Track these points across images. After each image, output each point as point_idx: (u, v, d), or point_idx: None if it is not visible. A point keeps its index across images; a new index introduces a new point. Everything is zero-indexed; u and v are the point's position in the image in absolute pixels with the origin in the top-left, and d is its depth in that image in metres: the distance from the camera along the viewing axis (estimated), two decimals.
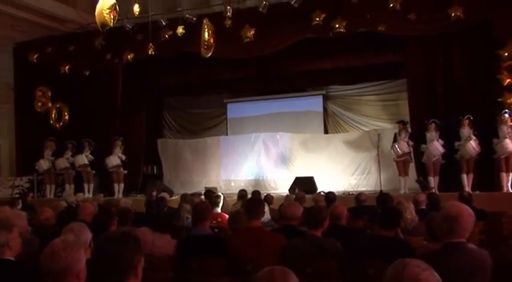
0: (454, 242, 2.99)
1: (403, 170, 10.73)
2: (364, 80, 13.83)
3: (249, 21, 11.50)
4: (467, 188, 9.68)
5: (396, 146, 10.56)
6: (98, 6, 7.02)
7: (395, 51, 11.45)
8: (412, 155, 10.73)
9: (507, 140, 9.55)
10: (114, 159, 12.46)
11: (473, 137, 9.77)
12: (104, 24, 7.10)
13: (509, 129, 9.65)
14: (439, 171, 10.28)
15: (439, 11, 10.27)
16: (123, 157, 12.60)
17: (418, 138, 10.52)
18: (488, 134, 9.82)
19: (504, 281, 3.28)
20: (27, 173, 13.72)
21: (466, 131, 9.94)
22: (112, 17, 6.92)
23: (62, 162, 12.86)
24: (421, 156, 10.49)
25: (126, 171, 12.83)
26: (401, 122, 10.94)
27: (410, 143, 10.54)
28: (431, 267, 1.64)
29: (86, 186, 12.78)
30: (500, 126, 9.68)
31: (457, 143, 10.00)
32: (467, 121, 9.96)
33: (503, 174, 9.72)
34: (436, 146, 10.06)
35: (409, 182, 10.86)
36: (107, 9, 6.84)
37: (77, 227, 3.44)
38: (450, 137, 10.17)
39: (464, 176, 9.98)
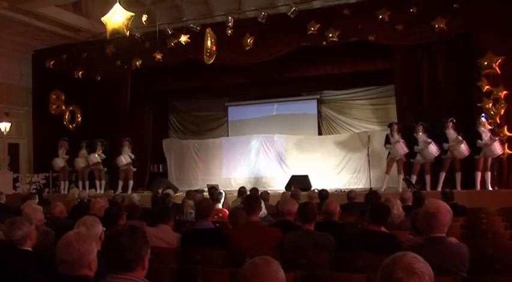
0: (435, 237, 3.01)
1: (394, 169, 10.62)
2: (355, 86, 13.83)
3: (249, 30, 11.52)
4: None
5: (396, 146, 10.28)
6: (107, 15, 7.01)
7: (384, 59, 11.45)
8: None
9: (496, 143, 9.52)
10: (125, 158, 12.44)
11: (462, 139, 9.75)
12: (116, 31, 7.11)
13: (490, 132, 9.66)
14: (429, 170, 10.22)
15: (424, 22, 10.31)
16: (133, 156, 12.59)
17: (406, 139, 10.50)
18: (468, 136, 9.80)
19: (483, 271, 3.30)
20: (43, 170, 13.74)
21: (452, 133, 9.91)
22: (125, 27, 6.93)
23: (82, 161, 12.82)
24: (411, 157, 10.43)
25: (135, 169, 12.83)
26: (395, 124, 10.71)
27: (405, 143, 10.38)
28: (427, 263, 1.65)
29: (97, 183, 12.82)
30: (480, 129, 9.68)
31: (446, 145, 9.93)
32: (450, 123, 9.95)
33: (479, 174, 9.73)
34: (433, 148, 9.95)
35: (393, 180, 10.85)
36: (125, 20, 6.85)
37: (90, 220, 3.45)
38: (434, 138, 10.14)
39: (443, 175, 10.01)
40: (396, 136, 10.49)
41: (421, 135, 10.21)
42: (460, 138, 9.74)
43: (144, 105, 14.39)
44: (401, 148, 10.29)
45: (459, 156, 9.82)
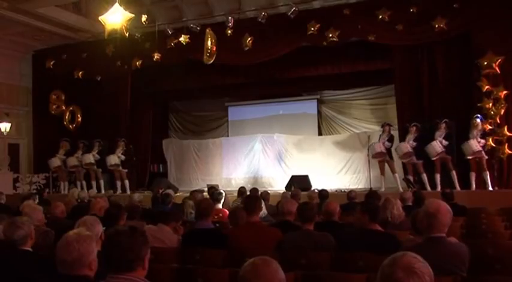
0: (435, 237, 3.01)
1: (386, 169, 10.70)
2: (355, 86, 13.84)
3: (249, 30, 11.52)
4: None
5: (371, 147, 10.64)
6: (105, 15, 7.00)
7: (383, 59, 11.45)
8: (389, 155, 10.71)
9: (472, 141, 9.57)
10: (114, 159, 12.41)
11: (439, 139, 9.80)
12: (114, 31, 7.09)
13: (479, 133, 9.66)
14: (423, 169, 10.24)
15: (424, 22, 10.31)
16: (123, 157, 12.53)
17: (403, 140, 10.52)
18: (465, 137, 9.83)
19: (483, 271, 3.30)
20: (44, 170, 13.74)
21: (438, 133, 9.97)
22: (125, 28, 6.92)
23: (72, 161, 12.86)
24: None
25: (126, 170, 12.74)
26: (387, 125, 10.91)
27: (387, 144, 10.55)
28: (426, 262, 1.66)
29: (93, 183, 12.84)
30: (471, 130, 9.71)
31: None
32: (443, 125, 9.99)
33: (473, 174, 9.74)
34: (400, 146, 10.12)
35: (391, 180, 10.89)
36: (125, 21, 6.83)
37: (90, 221, 3.45)
38: (431, 139, 10.14)
39: (438, 176, 10.00)
40: (384, 136, 10.62)
41: (409, 136, 10.29)
42: (439, 138, 9.78)
43: (144, 105, 14.39)
44: (373, 149, 10.60)
45: (430, 156, 9.93)
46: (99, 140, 12.92)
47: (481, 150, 9.59)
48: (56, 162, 13.04)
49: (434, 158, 9.92)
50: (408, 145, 10.14)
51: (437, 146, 9.82)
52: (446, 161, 9.97)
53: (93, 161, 12.69)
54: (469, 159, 9.74)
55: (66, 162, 13.01)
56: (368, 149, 11.74)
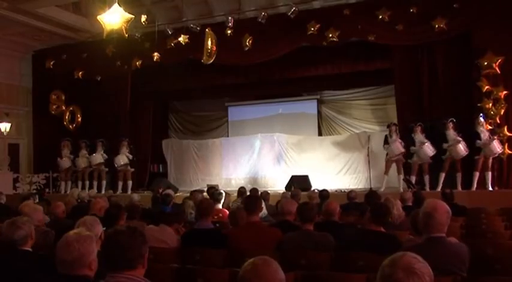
0: (434, 237, 3.01)
1: (395, 169, 10.65)
2: (355, 86, 13.84)
3: (248, 30, 11.52)
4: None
5: (392, 146, 10.42)
6: (104, 14, 6.98)
7: (383, 59, 11.46)
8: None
9: (496, 142, 9.53)
10: (123, 159, 12.45)
11: (461, 139, 9.77)
12: (113, 31, 7.08)
13: (489, 132, 9.66)
14: (428, 170, 10.23)
15: (424, 22, 10.32)
16: (130, 156, 12.57)
17: (405, 140, 10.52)
18: (468, 136, 9.81)
19: (483, 271, 3.30)
20: (44, 170, 13.74)
21: (452, 133, 9.92)
22: (124, 28, 6.91)
23: (83, 162, 12.86)
24: (409, 157, 10.44)
25: (133, 169, 12.82)
26: (394, 124, 10.82)
27: (403, 143, 10.50)
28: (426, 262, 1.66)
29: (95, 183, 12.84)
30: (479, 129, 9.69)
31: (445, 145, 9.95)
32: (451, 124, 9.96)
33: (476, 174, 9.74)
34: (427, 149, 10.01)
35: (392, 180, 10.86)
36: (124, 22, 6.82)
37: (90, 221, 3.45)
38: (434, 139, 10.14)
39: (443, 175, 9.99)
40: (394, 136, 10.54)
41: (418, 136, 10.24)
42: (458, 138, 9.75)
43: (144, 105, 14.38)
44: (397, 148, 10.37)
45: (456, 157, 9.85)
46: (102, 139, 12.91)
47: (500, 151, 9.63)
48: (66, 163, 13.02)
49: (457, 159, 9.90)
50: (431, 147, 10.01)
51: (463, 147, 9.75)
52: (455, 161, 9.95)
53: (102, 161, 12.72)
54: (476, 159, 9.74)
55: (75, 163, 13.00)
56: (368, 149, 11.76)
